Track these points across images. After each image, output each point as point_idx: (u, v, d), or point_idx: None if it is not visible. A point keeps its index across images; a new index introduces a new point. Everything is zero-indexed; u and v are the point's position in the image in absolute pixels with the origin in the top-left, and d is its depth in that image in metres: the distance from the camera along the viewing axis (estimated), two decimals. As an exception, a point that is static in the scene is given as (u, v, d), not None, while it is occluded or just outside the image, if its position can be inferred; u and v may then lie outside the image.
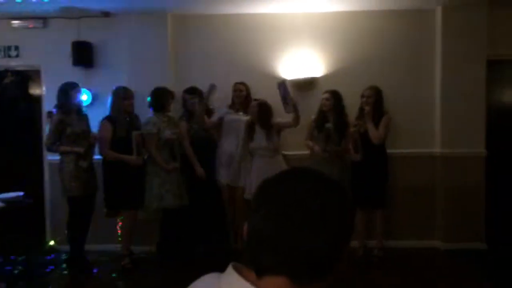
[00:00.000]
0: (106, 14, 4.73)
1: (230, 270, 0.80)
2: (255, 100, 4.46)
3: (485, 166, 4.62)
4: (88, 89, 4.64)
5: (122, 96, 4.12)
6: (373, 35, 4.76)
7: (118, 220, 4.29)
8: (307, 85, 4.76)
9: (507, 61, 4.80)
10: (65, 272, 4.17)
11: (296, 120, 4.15)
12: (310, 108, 4.43)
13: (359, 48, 4.76)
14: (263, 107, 4.31)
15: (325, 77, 4.78)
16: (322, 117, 4.34)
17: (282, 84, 4.07)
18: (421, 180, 4.70)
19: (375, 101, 4.19)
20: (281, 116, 4.33)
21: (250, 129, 4.37)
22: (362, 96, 4.25)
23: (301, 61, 4.77)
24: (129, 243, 4.23)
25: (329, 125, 4.21)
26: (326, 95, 4.32)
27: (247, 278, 0.77)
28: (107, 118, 4.12)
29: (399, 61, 4.76)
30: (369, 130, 4.17)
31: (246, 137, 4.39)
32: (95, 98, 4.73)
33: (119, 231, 4.27)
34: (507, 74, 4.89)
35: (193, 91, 4.49)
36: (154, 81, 4.38)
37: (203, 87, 4.38)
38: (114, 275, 4.07)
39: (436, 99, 4.73)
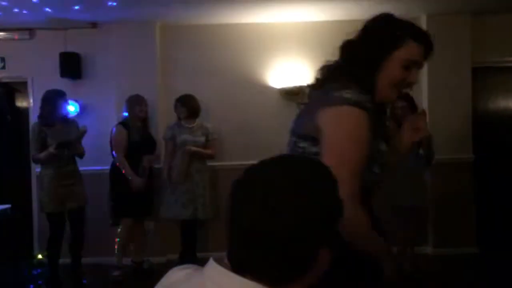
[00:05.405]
0: (93, 25, 4.72)
1: (211, 262, 0.75)
2: None
3: (474, 170, 4.67)
4: (76, 100, 4.60)
5: (134, 102, 4.20)
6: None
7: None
8: (295, 93, 4.78)
9: (491, 68, 4.88)
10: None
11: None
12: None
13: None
14: None
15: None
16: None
17: None
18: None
19: None
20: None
21: None
22: None
23: (289, 70, 4.79)
24: (123, 254, 4.18)
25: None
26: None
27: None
28: (121, 123, 4.19)
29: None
30: None
31: None
32: (83, 109, 4.70)
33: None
34: (492, 80, 4.97)
35: None
36: (142, 92, 4.33)
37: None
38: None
39: (422, 106, 4.77)
